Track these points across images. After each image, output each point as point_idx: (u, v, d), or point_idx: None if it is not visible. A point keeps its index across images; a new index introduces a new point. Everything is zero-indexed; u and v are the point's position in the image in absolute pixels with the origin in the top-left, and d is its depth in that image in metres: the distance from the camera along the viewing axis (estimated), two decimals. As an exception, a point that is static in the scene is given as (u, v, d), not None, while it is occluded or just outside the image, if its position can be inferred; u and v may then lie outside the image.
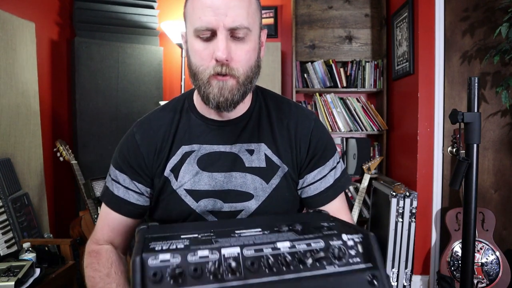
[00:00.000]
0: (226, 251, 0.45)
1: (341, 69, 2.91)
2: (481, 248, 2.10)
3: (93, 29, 2.64)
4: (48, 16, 2.58)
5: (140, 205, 0.83)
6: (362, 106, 2.89)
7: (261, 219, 0.71)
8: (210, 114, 0.82)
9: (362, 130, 2.85)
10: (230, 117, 0.82)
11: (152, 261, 0.43)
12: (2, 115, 1.97)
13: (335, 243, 0.48)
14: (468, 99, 1.24)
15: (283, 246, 0.47)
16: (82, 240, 2.22)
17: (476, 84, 1.22)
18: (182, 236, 0.51)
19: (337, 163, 0.88)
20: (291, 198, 0.85)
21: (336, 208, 0.85)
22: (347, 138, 2.93)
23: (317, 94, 2.88)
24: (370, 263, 0.47)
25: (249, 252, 0.45)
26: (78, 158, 2.45)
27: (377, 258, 0.47)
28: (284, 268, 0.45)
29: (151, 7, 2.84)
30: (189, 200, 0.79)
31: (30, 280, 1.51)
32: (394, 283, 2.32)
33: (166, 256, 0.43)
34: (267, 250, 0.46)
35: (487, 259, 2.09)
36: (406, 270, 2.31)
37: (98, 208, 2.27)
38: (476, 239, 2.10)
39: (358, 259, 0.48)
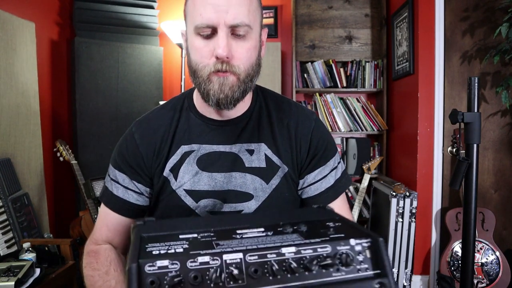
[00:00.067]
0: (228, 257, 0.43)
1: (341, 69, 2.91)
2: (481, 248, 2.10)
3: (93, 29, 2.64)
4: (48, 16, 2.58)
5: (139, 205, 0.83)
6: (362, 106, 2.89)
7: (264, 216, 0.69)
8: (210, 113, 0.82)
9: (362, 130, 2.85)
10: (230, 117, 0.81)
11: (149, 268, 0.40)
12: (2, 115, 1.97)
13: (343, 248, 0.46)
14: (468, 99, 1.24)
15: (288, 251, 0.45)
16: (82, 240, 2.22)
17: (476, 84, 1.22)
18: (180, 236, 0.49)
19: (338, 163, 0.88)
20: (291, 198, 0.84)
21: (337, 208, 0.85)
22: (347, 138, 2.93)
23: (317, 94, 2.88)
24: (379, 270, 0.45)
25: (252, 258, 0.43)
26: (78, 158, 2.45)
27: (386, 265, 0.45)
28: (289, 275, 0.43)
29: (151, 7, 2.84)
30: (188, 200, 0.79)
31: (30, 280, 1.51)
32: (394, 283, 2.31)
33: (165, 262, 0.41)
34: (271, 256, 0.44)
35: (487, 259, 2.09)
36: (406, 270, 2.31)
37: (98, 208, 2.27)
38: (476, 239, 2.10)
39: (366, 266, 0.45)
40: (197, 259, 0.42)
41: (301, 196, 0.87)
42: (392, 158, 2.84)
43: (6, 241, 1.79)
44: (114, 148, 0.85)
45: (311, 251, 0.45)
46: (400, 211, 2.29)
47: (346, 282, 0.44)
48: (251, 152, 0.81)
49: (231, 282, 0.41)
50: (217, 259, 0.42)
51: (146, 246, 0.45)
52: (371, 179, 2.80)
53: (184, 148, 0.81)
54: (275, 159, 0.81)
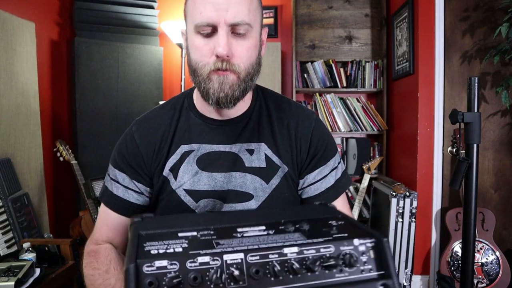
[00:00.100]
0: (228, 257, 0.41)
1: (341, 69, 2.91)
2: (481, 248, 2.10)
3: (93, 29, 2.64)
4: (48, 16, 2.58)
5: (139, 204, 0.83)
6: (362, 106, 2.89)
7: (264, 213, 0.67)
8: (210, 113, 0.81)
9: (362, 130, 2.85)
10: (230, 116, 0.81)
11: (147, 268, 0.39)
12: (2, 115, 1.97)
13: (346, 248, 0.45)
14: (468, 99, 1.24)
15: (290, 251, 0.43)
16: (82, 240, 2.22)
17: (476, 84, 1.22)
18: (180, 235, 0.48)
19: (338, 163, 0.87)
20: (291, 198, 0.84)
21: (338, 208, 0.85)
22: (347, 138, 2.93)
23: (317, 94, 2.88)
24: (383, 271, 0.44)
25: (253, 258, 0.42)
26: (78, 158, 2.45)
27: (391, 265, 0.44)
28: (291, 276, 0.42)
29: (151, 7, 2.84)
30: (188, 200, 0.79)
31: (30, 280, 1.51)
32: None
33: (163, 262, 0.40)
34: (273, 256, 0.43)
35: (487, 259, 2.09)
36: (406, 270, 2.31)
37: (98, 208, 2.26)
38: (476, 239, 2.10)
39: (369, 267, 0.44)
40: (197, 259, 0.41)
41: (301, 196, 0.87)
42: (392, 158, 2.84)
43: (6, 241, 1.79)
44: (114, 147, 0.85)
45: (314, 251, 0.44)
46: (400, 211, 2.29)
47: (349, 283, 0.43)
48: (251, 152, 0.81)
49: (232, 283, 0.40)
50: (217, 260, 0.41)
51: (144, 245, 0.44)
52: (371, 179, 2.80)
53: (184, 148, 0.80)
54: (275, 159, 0.81)
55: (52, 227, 2.43)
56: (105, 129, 2.61)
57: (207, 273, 0.40)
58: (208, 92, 0.72)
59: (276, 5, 3.03)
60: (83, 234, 2.23)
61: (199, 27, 0.69)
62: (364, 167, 2.79)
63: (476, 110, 1.22)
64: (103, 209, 0.84)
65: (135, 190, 0.82)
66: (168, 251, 0.42)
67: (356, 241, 0.45)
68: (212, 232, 0.49)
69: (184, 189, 0.79)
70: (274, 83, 2.80)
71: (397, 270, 2.29)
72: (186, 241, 0.46)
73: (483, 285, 2.08)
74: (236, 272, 0.41)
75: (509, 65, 2.26)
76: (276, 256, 0.43)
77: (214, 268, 0.41)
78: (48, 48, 2.56)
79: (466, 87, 2.31)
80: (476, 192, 1.24)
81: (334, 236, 0.47)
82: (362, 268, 0.44)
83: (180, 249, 0.43)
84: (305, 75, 2.89)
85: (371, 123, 2.85)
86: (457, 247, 2.15)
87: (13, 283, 1.40)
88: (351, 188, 2.94)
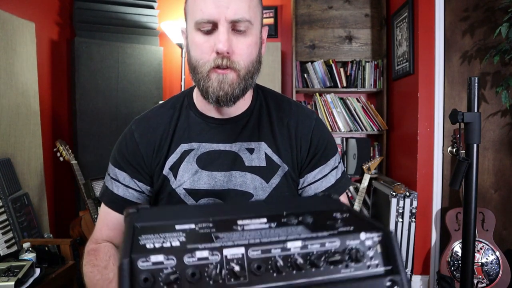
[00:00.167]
0: (228, 252, 0.39)
1: (341, 69, 2.91)
2: (481, 248, 2.10)
3: (93, 29, 2.64)
4: (48, 16, 2.58)
5: (140, 204, 0.83)
6: (362, 106, 2.89)
7: (265, 205, 0.64)
8: (210, 111, 0.81)
9: (362, 130, 2.85)
10: (230, 115, 0.81)
11: (143, 264, 0.36)
12: (2, 115, 1.97)
13: (352, 243, 0.42)
14: (468, 99, 1.24)
15: (294, 246, 0.41)
16: (82, 240, 2.22)
17: (476, 84, 1.22)
18: (177, 227, 0.45)
19: (338, 163, 0.88)
20: (291, 197, 0.85)
21: None
22: (347, 138, 2.93)
23: (317, 94, 2.88)
24: (390, 266, 0.42)
25: (255, 253, 0.40)
26: (78, 158, 2.45)
27: (398, 260, 0.42)
28: (294, 272, 0.39)
29: (151, 7, 2.84)
30: (188, 199, 0.79)
31: (30, 280, 1.51)
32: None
33: (159, 257, 0.37)
34: (276, 251, 0.40)
35: (487, 259, 2.09)
36: (406, 270, 2.31)
37: (98, 208, 2.27)
38: (476, 239, 2.10)
39: (376, 262, 0.42)
40: (195, 254, 0.38)
41: (301, 196, 0.87)
42: (392, 158, 2.84)
43: (6, 241, 1.79)
44: (114, 146, 0.85)
45: (318, 245, 0.41)
46: (400, 211, 2.29)
47: (356, 279, 0.41)
48: (251, 151, 0.81)
49: (232, 280, 0.38)
50: (216, 254, 0.39)
51: (139, 238, 0.41)
52: (371, 179, 2.80)
53: (183, 147, 0.80)
54: (275, 158, 0.81)
55: (52, 227, 2.43)
56: (105, 129, 2.61)
57: (206, 269, 0.38)
58: (208, 91, 0.72)
59: (276, 5, 3.03)
60: (83, 234, 2.22)
61: (199, 24, 0.69)
62: (364, 167, 2.79)
63: (476, 110, 1.22)
64: (103, 209, 0.84)
65: (135, 189, 0.82)
66: (164, 245, 0.40)
67: (362, 235, 0.43)
68: (211, 225, 0.47)
69: (184, 188, 0.79)
70: (274, 83, 2.80)
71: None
72: (184, 234, 0.43)
73: (483, 285, 2.07)
74: (237, 268, 0.38)
75: (509, 65, 2.26)
76: (279, 250, 0.40)
77: (214, 263, 0.38)
78: (48, 48, 2.56)
79: (466, 87, 2.31)
80: (476, 192, 1.24)
81: (340, 229, 0.44)
82: (368, 263, 0.42)
83: (178, 243, 0.40)
84: (305, 75, 2.89)
85: (371, 123, 2.85)
86: (457, 247, 2.15)
87: (13, 283, 1.40)
88: (351, 188, 2.94)
